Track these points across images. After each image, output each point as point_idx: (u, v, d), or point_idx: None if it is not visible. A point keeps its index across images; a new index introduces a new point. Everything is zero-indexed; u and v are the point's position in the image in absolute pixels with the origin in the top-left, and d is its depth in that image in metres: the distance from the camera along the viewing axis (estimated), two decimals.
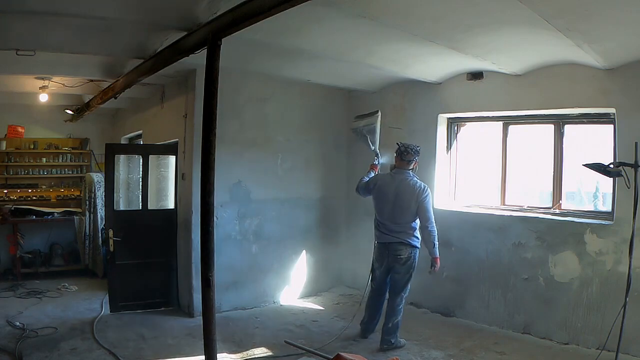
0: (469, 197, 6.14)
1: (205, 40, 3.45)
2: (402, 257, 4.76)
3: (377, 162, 5.36)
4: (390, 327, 4.80)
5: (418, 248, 4.81)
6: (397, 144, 5.00)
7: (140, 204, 5.97)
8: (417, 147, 4.94)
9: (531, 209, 5.51)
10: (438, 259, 4.77)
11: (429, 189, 4.82)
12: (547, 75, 5.10)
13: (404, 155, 4.84)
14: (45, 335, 4.90)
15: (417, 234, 4.82)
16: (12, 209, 7.48)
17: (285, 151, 6.40)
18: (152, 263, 5.91)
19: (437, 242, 4.73)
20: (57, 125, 8.77)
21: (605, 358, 4.13)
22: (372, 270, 5.08)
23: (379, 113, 5.40)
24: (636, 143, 3.78)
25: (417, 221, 4.84)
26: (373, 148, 5.39)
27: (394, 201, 4.81)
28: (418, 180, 4.85)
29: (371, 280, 5.10)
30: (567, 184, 5.37)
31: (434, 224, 4.73)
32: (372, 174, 5.23)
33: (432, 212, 4.76)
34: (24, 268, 7.18)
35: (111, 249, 5.68)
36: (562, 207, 5.31)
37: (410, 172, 4.88)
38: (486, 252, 5.55)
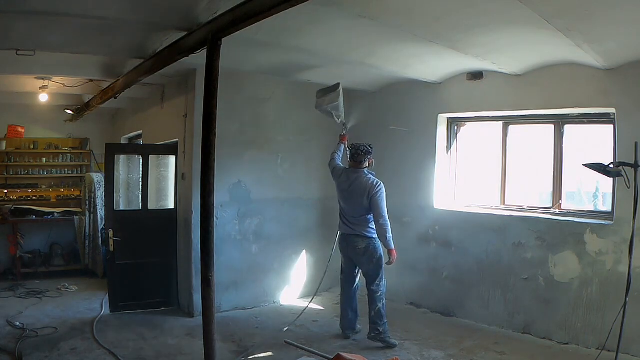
0: (469, 197, 6.14)
1: (205, 40, 3.45)
2: (359, 248, 4.94)
3: (345, 132, 5.60)
4: (373, 315, 4.91)
5: (374, 238, 4.94)
6: (348, 147, 5.22)
7: (140, 204, 5.97)
8: (369, 146, 5.07)
9: (531, 209, 5.51)
10: (393, 251, 4.87)
11: (382, 185, 4.91)
12: (547, 75, 5.10)
13: (355, 157, 5.03)
14: (45, 335, 4.90)
15: (373, 225, 4.95)
16: (12, 209, 7.48)
17: (285, 151, 6.40)
18: (152, 263, 5.91)
19: (390, 235, 4.84)
20: (57, 125, 8.76)
21: (605, 358, 4.13)
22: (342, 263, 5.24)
23: (340, 87, 5.44)
24: (636, 143, 3.77)
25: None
26: (339, 121, 5.54)
27: (349, 198, 5.03)
28: (372, 177, 4.98)
29: (341, 274, 5.26)
30: (567, 184, 5.37)
31: (386, 218, 4.85)
32: (343, 147, 5.50)
33: (384, 207, 4.86)
34: (24, 268, 7.18)
35: (111, 249, 5.68)
36: (562, 207, 5.31)
37: (365, 170, 5.03)
38: (486, 252, 5.55)
